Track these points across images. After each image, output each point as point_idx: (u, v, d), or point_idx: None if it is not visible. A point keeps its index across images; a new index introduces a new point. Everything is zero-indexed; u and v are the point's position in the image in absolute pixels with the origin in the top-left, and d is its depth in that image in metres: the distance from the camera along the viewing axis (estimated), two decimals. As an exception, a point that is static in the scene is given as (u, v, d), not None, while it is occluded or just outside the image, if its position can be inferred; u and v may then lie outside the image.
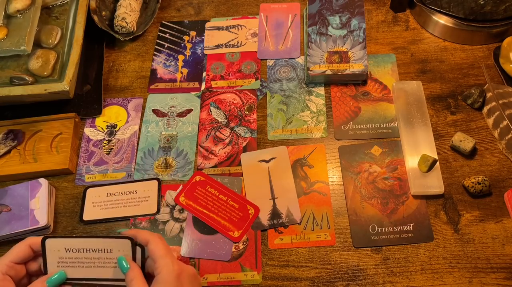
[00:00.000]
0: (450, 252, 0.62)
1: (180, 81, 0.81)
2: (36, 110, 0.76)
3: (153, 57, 0.84)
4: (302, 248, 0.64)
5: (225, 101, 0.78)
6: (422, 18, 0.83)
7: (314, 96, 0.77)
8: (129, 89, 0.81)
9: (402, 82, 0.76)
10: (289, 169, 0.70)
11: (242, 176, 0.70)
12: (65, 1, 0.81)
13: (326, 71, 0.76)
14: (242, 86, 0.79)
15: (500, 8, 0.76)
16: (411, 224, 0.64)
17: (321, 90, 0.77)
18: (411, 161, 0.68)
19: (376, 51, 0.81)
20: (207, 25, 0.87)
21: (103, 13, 0.86)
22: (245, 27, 0.86)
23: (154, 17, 0.87)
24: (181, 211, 0.68)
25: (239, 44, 0.84)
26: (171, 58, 0.84)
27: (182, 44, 0.85)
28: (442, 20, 0.80)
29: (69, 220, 0.69)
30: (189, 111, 0.78)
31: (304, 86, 0.78)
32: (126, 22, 0.83)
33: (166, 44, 0.86)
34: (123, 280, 0.50)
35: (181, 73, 0.82)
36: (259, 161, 0.71)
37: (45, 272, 0.51)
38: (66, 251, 0.51)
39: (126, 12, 0.84)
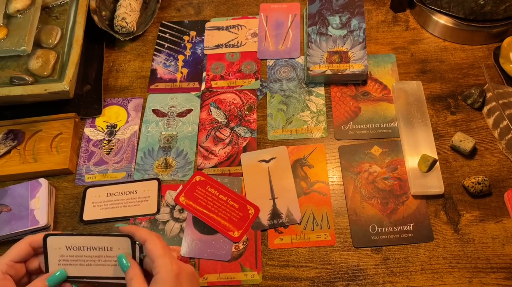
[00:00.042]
0: (450, 252, 0.62)
1: (180, 81, 0.81)
2: (36, 110, 0.76)
3: (153, 57, 0.84)
4: (302, 248, 0.64)
5: (225, 101, 0.78)
6: (422, 18, 0.83)
7: (314, 96, 0.77)
8: (129, 89, 0.81)
9: (402, 82, 0.76)
10: (289, 169, 0.70)
11: (242, 176, 0.70)
12: (65, 1, 0.81)
13: (326, 71, 0.76)
14: (242, 86, 0.79)
15: (500, 8, 0.76)
16: (411, 224, 0.64)
17: (321, 90, 0.77)
18: (411, 161, 0.68)
19: (376, 51, 0.81)
20: (207, 25, 0.87)
21: (103, 13, 0.86)
22: (245, 27, 0.86)
23: (154, 17, 0.87)
24: (181, 211, 0.68)
25: (239, 44, 0.84)
26: (171, 58, 0.84)
27: (182, 44, 0.85)
28: (442, 20, 0.80)
29: (69, 220, 0.69)
30: (189, 111, 0.78)
31: (304, 86, 0.78)
32: (126, 22, 0.83)
33: (166, 44, 0.86)
34: (122, 278, 0.51)
35: (181, 73, 0.82)
36: (259, 161, 0.71)
37: (46, 270, 0.51)
38: (67, 249, 0.51)
39: (126, 12, 0.84)
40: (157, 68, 0.83)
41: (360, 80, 0.77)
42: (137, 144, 0.75)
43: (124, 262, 0.49)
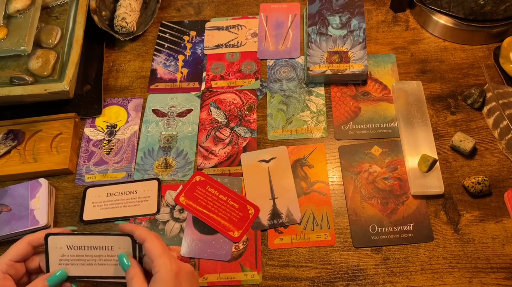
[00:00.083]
0: (450, 252, 0.62)
1: (180, 81, 0.81)
2: (36, 110, 0.76)
3: (153, 57, 0.84)
4: (302, 248, 0.64)
5: (225, 101, 0.78)
6: (422, 18, 0.83)
7: (314, 96, 0.77)
8: (129, 89, 0.81)
9: (402, 82, 0.76)
10: (289, 169, 0.70)
11: (242, 176, 0.70)
12: (65, 1, 0.81)
13: (326, 71, 0.76)
14: (242, 86, 0.79)
15: (500, 8, 0.76)
16: (411, 224, 0.64)
17: (321, 90, 0.78)
18: (411, 161, 0.68)
19: (376, 51, 0.81)
20: (207, 25, 0.87)
21: (103, 13, 0.86)
22: (245, 27, 0.86)
23: (154, 17, 0.87)
24: (181, 211, 0.68)
25: (239, 44, 0.84)
26: (171, 58, 0.84)
27: (182, 44, 0.85)
28: (442, 20, 0.80)
29: (69, 220, 0.69)
30: (189, 111, 0.78)
31: (304, 86, 0.78)
32: (126, 22, 0.83)
33: (166, 44, 0.86)
34: (123, 277, 0.51)
35: (181, 73, 0.82)
36: (259, 161, 0.71)
37: (47, 270, 0.51)
38: (68, 249, 0.51)
39: (126, 12, 0.84)
40: (157, 68, 0.83)
41: (360, 80, 0.77)
42: (137, 144, 0.75)
43: (125, 261, 0.50)
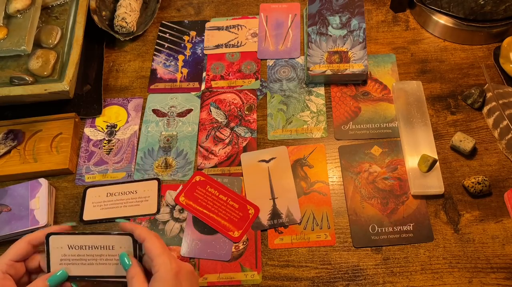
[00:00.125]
0: (450, 252, 0.62)
1: (180, 81, 0.81)
2: (36, 110, 0.76)
3: (153, 57, 0.84)
4: (302, 248, 0.64)
5: (225, 101, 0.78)
6: (422, 18, 0.83)
7: (314, 96, 0.77)
8: (129, 89, 0.81)
9: (402, 82, 0.76)
10: (289, 169, 0.70)
11: (242, 176, 0.70)
12: (65, 1, 0.81)
13: (326, 71, 0.76)
14: (242, 86, 0.79)
15: (500, 8, 0.76)
16: (411, 224, 0.64)
17: (321, 90, 0.78)
18: (411, 161, 0.68)
19: (376, 51, 0.81)
20: (207, 25, 0.87)
21: (103, 13, 0.86)
22: (245, 27, 0.86)
23: (154, 17, 0.87)
24: (181, 211, 0.68)
25: (239, 44, 0.84)
26: (171, 58, 0.84)
27: (182, 44, 0.85)
28: (442, 20, 0.80)
29: (69, 220, 0.69)
30: (189, 111, 0.78)
31: (304, 86, 0.78)
32: (126, 22, 0.83)
33: (166, 44, 0.86)
34: (123, 277, 0.51)
35: (181, 73, 0.82)
36: (259, 161, 0.71)
37: (48, 269, 0.51)
38: (69, 248, 0.51)
39: (126, 12, 0.84)
40: (157, 68, 0.83)
41: (360, 80, 0.77)
42: (137, 144, 0.75)
43: (126, 260, 0.50)
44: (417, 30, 0.83)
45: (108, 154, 0.74)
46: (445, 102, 0.75)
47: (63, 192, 0.71)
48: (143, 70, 0.83)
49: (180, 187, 0.70)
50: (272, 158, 0.71)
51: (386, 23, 0.84)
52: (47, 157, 0.72)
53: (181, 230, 0.67)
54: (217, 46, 0.84)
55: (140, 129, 0.76)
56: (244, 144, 0.73)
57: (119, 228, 0.52)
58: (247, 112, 0.76)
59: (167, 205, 0.69)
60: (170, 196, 0.69)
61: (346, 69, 0.75)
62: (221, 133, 0.75)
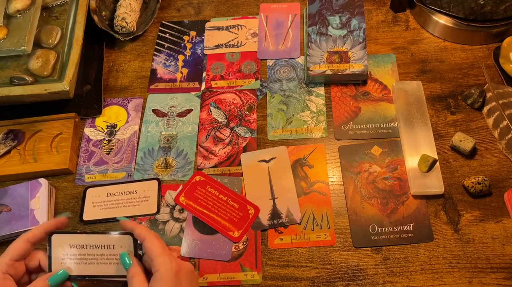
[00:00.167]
0: (450, 252, 0.62)
1: (180, 81, 0.81)
2: (36, 110, 0.76)
3: (153, 57, 0.84)
4: (302, 248, 0.64)
5: (225, 101, 0.78)
6: (422, 18, 0.83)
7: (314, 96, 0.77)
8: (129, 89, 0.81)
9: (402, 82, 0.76)
10: (289, 169, 0.70)
11: (242, 176, 0.70)
12: (65, 1, 0.81)
13: (326, 71, 0.76)
14: (242, 86, 0.79)
15: (500, 8, 0.76)
16: (411, 224, 0.64)
17: (321, 90, 0.78)
18: (411, 161, 0.68)
19: (376, 51, 0.81)
20: (207, 25, 0.87)
21: (103, 13, 0.86)
22: (245, 27, 0.86)
23: (154, 17, 0.87)
24: (181, 211, 0.68)
25: (239, 44, 0.84)
26: (171, 58, 0.84)
27: (182, 44, 0.85)
28: (442, 20, 0.80)
29: (69, 220, 0.69)
30: (189, 111, 0.78)
31: (304, 86, 0.78)
32: (126, 22, 0.83)
33: (166, 44, 0.86)
34: (124, 276, 0.51)
35: (181, 73, 0.82)
36: (259, 161, 0.71)
37: (49, 268, 0.51)
38: (70, 247, 0.51)
39: (126, 12, 0.84)
40: (157, 68, 0.83)
41: (360, 80, 0.77)
42: (137, 144, 0.75)
43: (127, 260, 0.50)
44: (417, 30, 0.83)
45: (108, 154, 0.74)
46: (445, 102, 0.75)
47: (63, 192, 0.71)
48: (143, 70, 0.83)
49: (180, 187, 0.70)
50: (272, 158, 0.71)
51: (386, 23, 0.84)
52: (47, 157, 0.72)
53: (181, 230, 0.67)
54: (217, 46, 0.84)
55: (140, 129, 0.76)
56: (244, 144, 0.73)
57: (120, 226, 0.53)
58: (247, 112, 0.76)
59: (167, 205, 0.69)
60: (170, 196, 0.69)
61: (346, 69, 0.75)
62: (221, 133, 0.75)
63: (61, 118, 0.75)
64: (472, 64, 0.78)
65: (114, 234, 0.52)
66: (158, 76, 0.82)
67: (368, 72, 0.78)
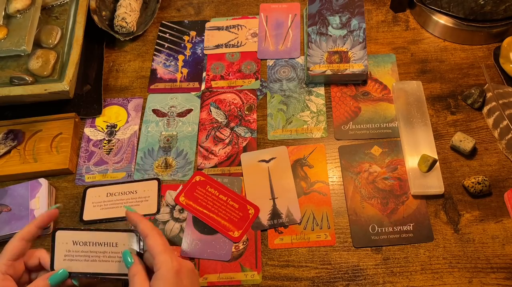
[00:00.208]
0: (450, 252, 0.62)
1: (180, 81, 0.81)
2: (36, 110, 0.76)
3: (153, 57, 0.84)
4: (302, 248, 0.64)
5: (225, 101, 0.78)
6: (422, 18, 0.83)
7: (314, 96, 0.77)
8: (129, 89, 0.81)
9: (402, 82, 0.76)
10: (289, 169, 0.70)
11: (242, 176, 0.70)
12: (65, 1, 0.81)
13: (326, 71, 0.76)
14: (242, 86, 0.79)
15: (500, 8, 0.76)
16: (411, 224, 0.64)
17: (321, 90, 0.78)
18: (411, 161, 0.68)
19: (376, 51, 0.81)
20: (207, 25, 0.87)
21: (103, 13, 0.86)
22: (245, 27, 0.86)
23: (154, 17, 0.87)
24: (181, 211, 0.68)
25: (239, 44, 0.84)
26: (171, 58, 0.84)
27: (182, 44, 0.85)
28: (442, 20, 0.80)
29: (69, 220, 0.69)
30: (189, 111, 0.78)
31: (304, 86, 0.78)
32: (126, 22, 0.83)
33: (166, 44, 0.86)
34: (125, 274, 0.51)
35: (181, 73, 0.82)
36: (259, 161, 0.71)
37: (52, 264, 0.51)
38: (74, 244, 0.52)
39: (126, 12, 0.84)
40: (157, 68, 0.83)
41: (360, 80, 0.77)
42: (137, 144, 0.75)
43: (128, 258, 0.50)
44: (417, 30, 0.83)
45: (108, 154, 0.74)
46: (445, 102, 0.75)
47: (63, 192, 0.71)
48: (143, 70, 0.83)
49: (180, 187, 0.70)
50: (272, 158, 0.71)
51: (386, 23, 0.84)
52: (47, 157, 0.72)
53: (181, 230, 0.67)
54: (217, 46, 0.84)
55: (140, 129, 0.76)
56: (244, 144, 0.73)
57: (125, 215, 0.53)
58: (247, 112, 0.76)
59: (167, 205, 0.69)
60: (170, 196, 0.69)
61: (346, 69, 0.75)
62: (221, 133, 0.75)
63: (61, 118, 0.75)
64: (472, 64, 0.78)
65: (118, 231, 0.52)
66: (158, 76, 0.82)
67: (368, 72, 0.78)
